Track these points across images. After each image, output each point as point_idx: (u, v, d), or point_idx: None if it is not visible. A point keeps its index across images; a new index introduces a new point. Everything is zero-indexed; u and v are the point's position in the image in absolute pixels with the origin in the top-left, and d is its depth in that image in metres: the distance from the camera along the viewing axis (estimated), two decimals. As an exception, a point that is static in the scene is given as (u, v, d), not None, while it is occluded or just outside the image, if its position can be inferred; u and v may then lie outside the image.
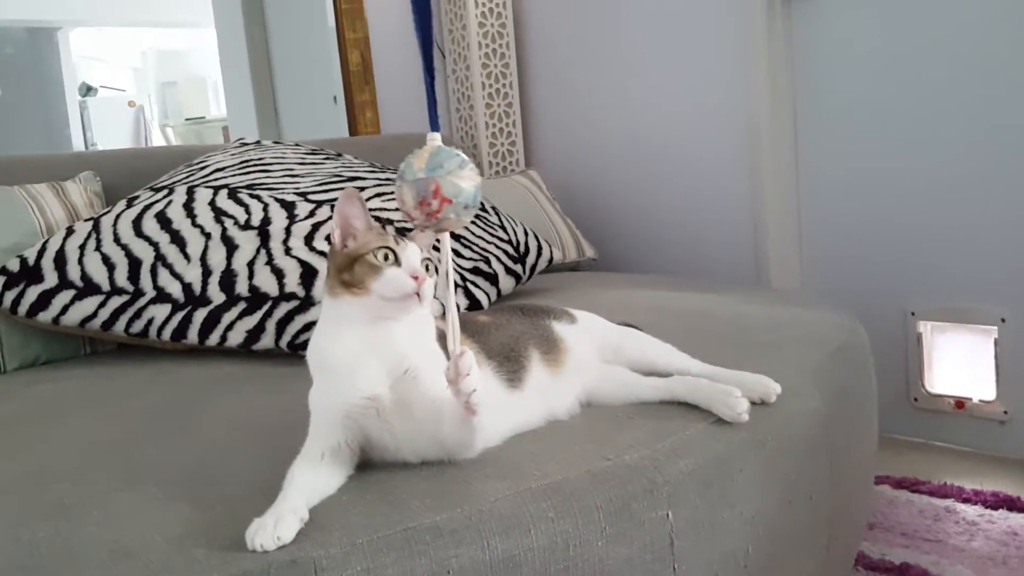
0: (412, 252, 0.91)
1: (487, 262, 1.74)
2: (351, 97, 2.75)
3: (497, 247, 1.79)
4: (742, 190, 2.35)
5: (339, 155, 1.97)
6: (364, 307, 0.90)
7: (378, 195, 1.74)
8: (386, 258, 0.89)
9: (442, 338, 0.98)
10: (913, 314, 2.11)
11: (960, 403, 2.06)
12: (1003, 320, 1.97)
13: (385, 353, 0.91)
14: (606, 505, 0.90)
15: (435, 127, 0.86)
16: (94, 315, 1.56)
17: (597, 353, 1.14)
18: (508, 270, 1.77)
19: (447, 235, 0.87)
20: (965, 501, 1.79)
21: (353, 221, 0.92)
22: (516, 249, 1.84)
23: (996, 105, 1.90)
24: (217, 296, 1.52)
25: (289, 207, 1.65)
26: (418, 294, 0.89)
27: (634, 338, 1.19)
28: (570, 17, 2.73)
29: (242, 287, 1.51)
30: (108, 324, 1.56)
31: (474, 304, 1.63)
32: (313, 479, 0.89)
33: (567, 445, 1.00)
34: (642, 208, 2.62)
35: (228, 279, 1.53)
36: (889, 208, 2.12)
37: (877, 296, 2.14)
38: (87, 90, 6.90)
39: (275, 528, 0.79)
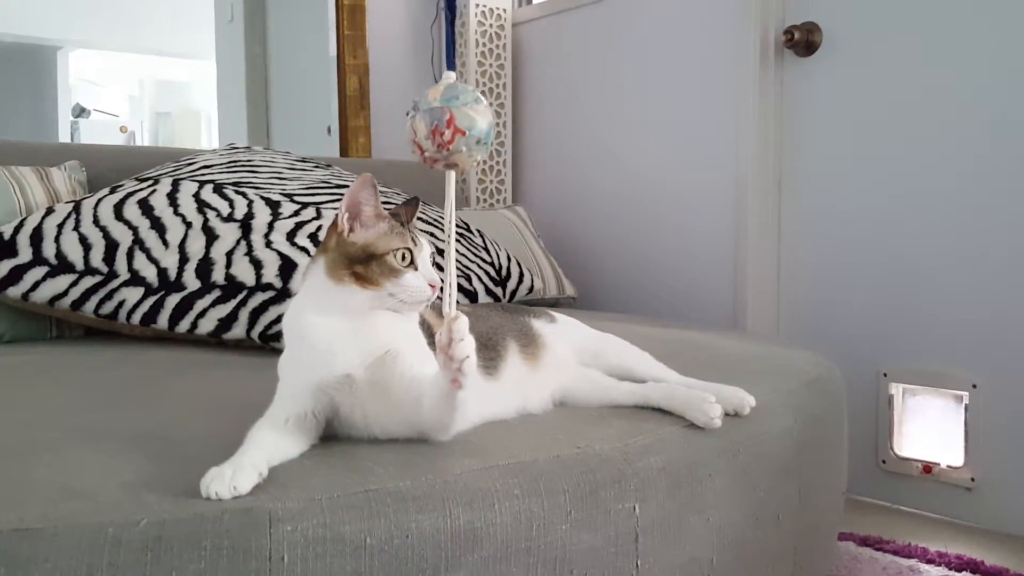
0: (426, 254, 0.93)
1: (468, 280, 1.73)
2: (345, 122, 2.77)
3: (479, 267, 1.79)
4: (724, 244, 2.37)
5: (328, 165, 1.97)
6: (371, 300, 0.91)
7: (365, 203, 1.73)
8: (403, 258, 0.90)
9: (423, 323, 0.97)
10: (886, 375, 2.12)
11: (928, 467, 2.05)
12: (974, 386, 1.98)
13: (367, 335, 0.90)
14: (573, 489, 0.88)
15: (451, 67, 0.87)
16: (65, 293, 1.53)
17: (575, 355, 1.14)
18: (488, 291, 1.77)
19: (452, 176, 0.86)
20: (929, 562, 1.77)
21: (363, 207, 0.92)
22: (498, 272, 1.83)
23: (977, 173, 1.94)
24: (192, 283, 1.50)
25: (274, 205, 1.64)
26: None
27: (613, 344, 1.18)
28: (568, 65, 2.78)
29: (218, 275, 1.50)
30: (78, 304, 1.53)
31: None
32: (275, 441, 0.87)
33: (537, 433, 0.98)
34: (624, 254, 2.64)
35: (205, 267, 1.51)
36: (867, 269, 2.14)
37: (851, 355, 2.14)
38: (80, 111, 6.90)
39: (232, 478, 0.77)
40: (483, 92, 2.77)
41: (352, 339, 0.90)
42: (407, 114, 0.85)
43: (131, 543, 0.70)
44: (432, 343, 0.91)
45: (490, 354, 1.01)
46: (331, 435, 0.93)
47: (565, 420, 1.04)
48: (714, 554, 1.01)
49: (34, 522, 0.71)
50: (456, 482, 0.83)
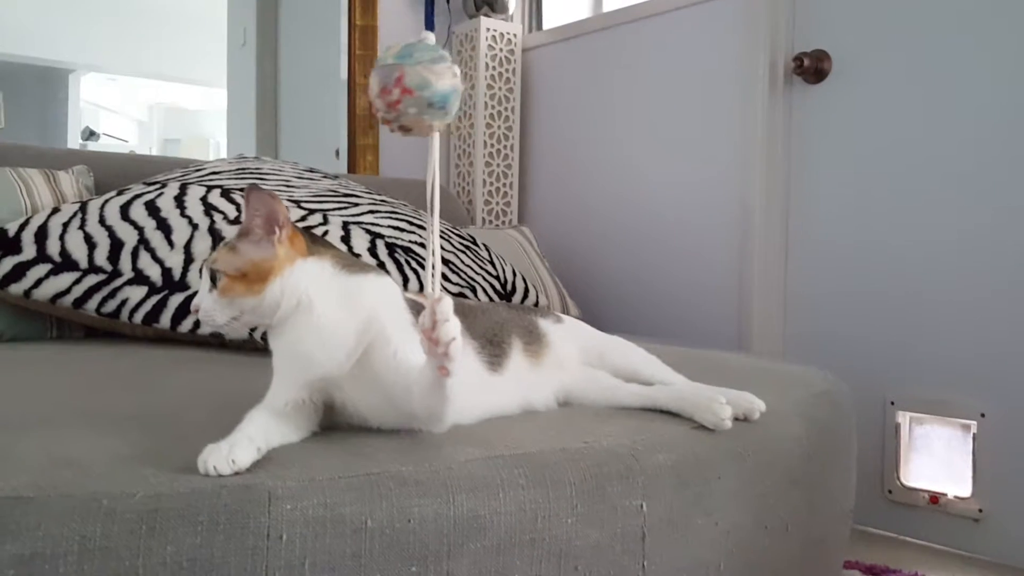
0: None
1: (473, 291, 1.72)
2: (354, 140, 2.78)
3: (484, 279, 1.78)
4: (730, 268, 2.36)
5: (336, 176, 1.97)
6: None
7: (371, 211, 1.73)
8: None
9: (417, 310, 0.94)
10: (892, 403, 2.09)
11: (935, 498, 2.02)
12: (983, 415, 1.95)
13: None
14: (580, 483, 0.86)
15: (429, 27, 0.83)
16: (67, 291, 1.52)
17: (581, 354, 1.12)
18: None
19: (436, 141, 0.82)
20: (936, 592, 1.73)
21: None
22: (503, 286, 1.82)
23: (987, 201, 1.93)
24: (196, 283, 1.49)
25: (281, 210, 1.63)
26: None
27: (619, 345, 1.16)
28: (576, 89, 2.79)
29: (223, 276, 1.48)
30: (80, 301, 1.51)
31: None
32: (273, 424, 0.85)
33: (541, 428, 0.96)
34: (628, 277, 2.63)
35: (210, 267, 1.49)
36: (874, 296, 2.12)
37: (857, 383, 2.09)
38: (89, 134, 6.95)
39: (230, 452, 0.75)
40: (492, 115, 2.78)
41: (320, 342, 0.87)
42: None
43: (125, 515, 0.68)
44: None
45: (495, 350, 0.99)
46: (333, 426, 0.91)
47: (570, 417, 1.02)
48: (722, 559, 0.98)
49: (25, 490, 0.69)
50: (459, 469, 0.81)
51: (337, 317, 0.87)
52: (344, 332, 0.86)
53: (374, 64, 0.79)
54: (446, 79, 0.78)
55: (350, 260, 0.94)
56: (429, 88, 0.77)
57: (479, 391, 0.96)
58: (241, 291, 0.85)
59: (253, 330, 1.45)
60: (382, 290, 0.92)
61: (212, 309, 0.86)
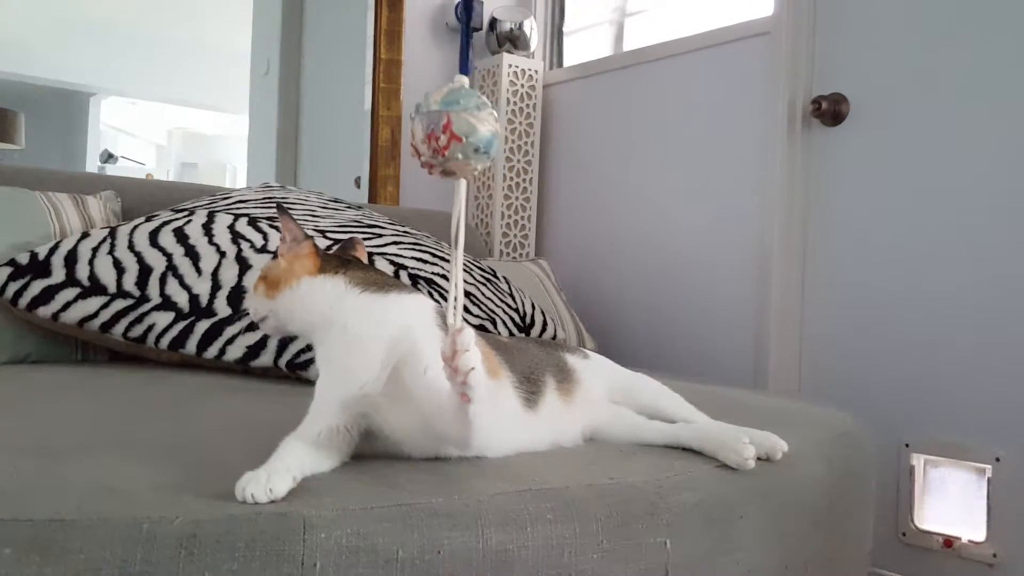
0: None
1: (493, 323, 1.73)
2: (376, 171, 2.81)
3: (504, 312, 1.79)
4: (747, 309, 2.37)
5: (360, 206, 2.00)
6: None
7: (395, 243, 1.75)
8: None
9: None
10: (907, 445, 2.09)
11: (949, 541, 2.01)
12: (997, 459, 1.95)
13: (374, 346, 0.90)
14: (606, 519, 0.87)
15: (464, 71, 0.85)
16: (95, 315, 1.54)
17: (606, 392, 1.13)
18: (512, 336, 1.77)
19: (463, 184, 0.83)
20: (951, 637, 1.72)
21: None
22: (522, 319, 1.84)
23: (1005, 245, 1.94)
24: (223, 310, 1.51)
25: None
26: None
27: (645, 383, 1.18)
28: (596, 126, 2.83)
29: (250, 303, 1.50)
30: (108, 326, 1.53)
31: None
32: (307, 452, 0.87)
33: (569, 463, 0.97)
34: (645, 314, 2.64)
35: (237, 294, 1.52)
36: (891, 338, 2.13)
37: (873, 424, 2.08)
38: (108, 157, 7.03)
39: (268, 480, 0.77)
40: (511, 149, 2.82)
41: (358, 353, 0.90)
42: (411, 116, 0.81)
43: (166, 539, 0.70)
44: None
45: (532, 388, 1.01)
46: (366, 454, 0.92)
47: (595, 453, 1.03)
48: (743, 599, 0.98)
49: (69, 514, 0.71)
50: (489, 503, 0.83)
51: (363, 330, 0.90)
52: (373, 344, 0.89)
53: (417, 108, 0.80)
54: (489, 125, 0.80)
55: (378, 280, 0.97)
56: (476, 134, 0.78)
57: (514, 427, 0.98)
58: (262, 292, 0.96)
59: (278, 357, 1.47)
60: (412, 307, 0.95)
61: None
